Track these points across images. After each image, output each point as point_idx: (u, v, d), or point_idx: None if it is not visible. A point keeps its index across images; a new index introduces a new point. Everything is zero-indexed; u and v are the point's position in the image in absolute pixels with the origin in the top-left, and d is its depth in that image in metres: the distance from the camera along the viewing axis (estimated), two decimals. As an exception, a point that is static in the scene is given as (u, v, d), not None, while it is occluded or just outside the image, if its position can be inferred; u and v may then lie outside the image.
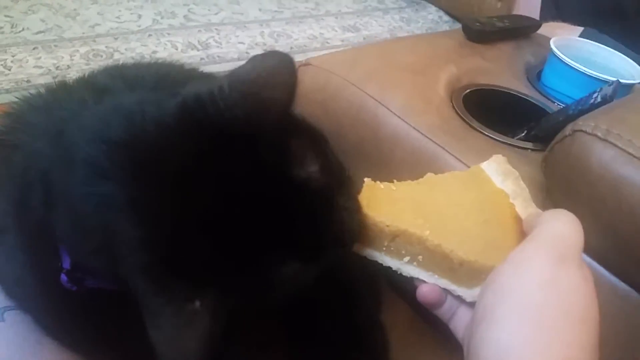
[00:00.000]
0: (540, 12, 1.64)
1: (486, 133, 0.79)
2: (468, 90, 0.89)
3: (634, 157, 0.57)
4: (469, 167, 0.71)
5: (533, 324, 0.37)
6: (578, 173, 0.61)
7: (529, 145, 0.80)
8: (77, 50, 1.54)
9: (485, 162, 0.57)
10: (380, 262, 0.51)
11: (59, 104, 0.56)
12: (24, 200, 0.50)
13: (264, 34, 1.84)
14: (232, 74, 0.43)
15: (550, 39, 1.00)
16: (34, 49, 1.51)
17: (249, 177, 0.41)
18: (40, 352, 0.63)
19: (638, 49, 1.20)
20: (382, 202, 0.51)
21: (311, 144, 0.46)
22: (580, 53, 0.99)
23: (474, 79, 0.93)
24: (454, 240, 0.47)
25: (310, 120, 0.81)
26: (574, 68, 0.92)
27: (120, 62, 1.50)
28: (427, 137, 0.77)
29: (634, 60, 1.00)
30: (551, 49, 0.97)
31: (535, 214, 0.49)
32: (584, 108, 0.77)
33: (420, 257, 0.49)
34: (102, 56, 1.54)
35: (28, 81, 1.37)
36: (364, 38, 1.97)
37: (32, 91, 0.64)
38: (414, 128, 0.78)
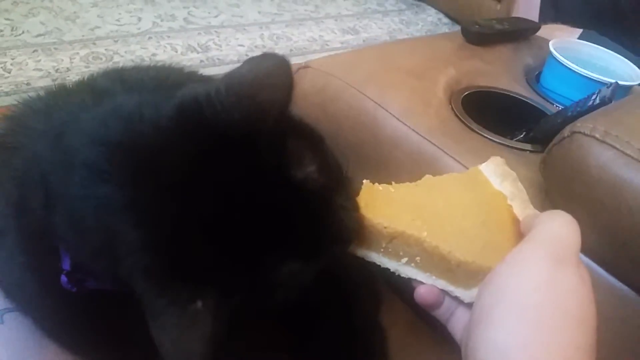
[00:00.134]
0: (539, 14, 1.65)
1: (485, 135, 0.79)
2: (467, 92, 0.89)
3: (632, 158, 0.57)
4: (467, 168, 0.71)
5: (531, 325, 0.37)
6: (576, 174, 0.61)
7: (528, 146, 0.80)
8: (77, 53, 1.54)
9: (483, 164, 0.57)
10: (378, 263, 0.51)
11: (59, 107, 0.57)
12: (23, 202, 0.51)
13: (264, 37, 1.84)
14: (229, 76, 0.43)
15: (549, 41, 1.01)
16: (33, 51, 1.51)
17: (247, 178, 0.42)
18: (40, 354, 0.63)
19: (636, 50, 1.20)
20: (380, 204, 0.51)
21: (309, 145, 0.46)
22: (578, 55, 0.99)
23: (473, 81, 0.93)
24: (451, 241, 0.47)
25: (308, 121, 0.82)
26: (573, 70, 0.92)
27: (120, 64, 1.51)
28: (426, 139, 0.77)
29: (632, 61, 1.00)
30: (550, 51, 0.97)
31: (533, 215, 0.49)
32: (583, 110, 0.77)
33: (418, 259, 0.49)
34: (101, 59, 1.54)
35: (28, 84, 1.37)
36: (364, 40, 1.98)
37: (32, 94, 0.64)
38: (413, 130, 0.78)
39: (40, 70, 1.43)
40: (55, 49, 1.54)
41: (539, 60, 1.05)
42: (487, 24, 1.08)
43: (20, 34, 1.58)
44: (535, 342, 0.37)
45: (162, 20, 1.82)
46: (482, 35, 1.05)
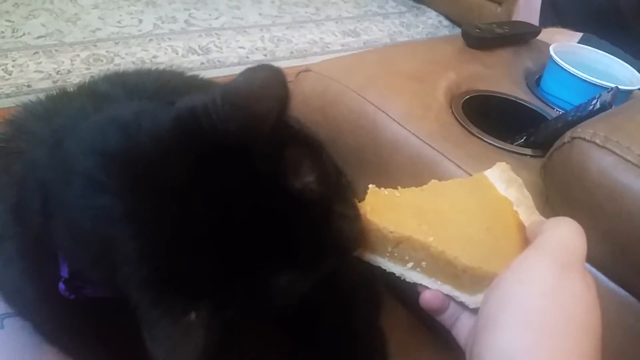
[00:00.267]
0: (539, 17, 1.65)
1: (485, 139, 0.79)
2: (467, 96, 0.89)
3: (633, 164, 0.57)
4: (468, 173, 0.71)
5: (536, 332, 0.38)
6: (577, 180, 0.61)
7: (528, 151, 0.80)
8: (78, 55, 1.54)
9: (488, 170, 0.57)
10: (383, 267, 0.51)
11: (59, 112, 0.57)
12: (22, 208, 0.51)
13: (264, 39, 1.85)
14: (225, 87, 0.44)
15: (549, 45, 1.01)
16: (34, 53, 1.51)
17: (245, 189, 0.42)
18: (40, 359, 0.63)
19: (637, 55, 1.20)
20: (386, 208, 0.51)
21: (307, 154, 0.46)
22: (579, 59, 0.99)
23: (473, 85, 0.93)
24: (457, 246, 0.47)
25: (308, 128, 0.82)
26: (573, 74, 0.92)
27: (121, 66, 1.51)
28: (426, 143, 0.77)
29: (632, 65, 1.00)
30: (550, 55, 0.97)
31: (539, 221, 0.49)
32: (583, 114, 0.77)
33: (423, 263, 0.49)
34: (102, 61, 1.54)
35: (29, 86, 1.37)
36: (364, 43, 1.98)
37: (33, 98, 0.64)
38: (414, 134, 0.78)
39: (41, 72, 1.43)
40: (56, 50, 1.54)
41: (539, 64, 1.05)
42: (488, 27, 1.08)
43: (21, 36, 1.58)
44: (540, 347, 0.37)
45: (163, 22, 1.82)
46: (482, 39, 1.05)
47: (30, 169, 0.50)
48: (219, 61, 1.65)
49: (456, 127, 0.82)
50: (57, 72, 1.45)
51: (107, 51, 1.59)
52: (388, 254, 0.50)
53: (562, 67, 0.94)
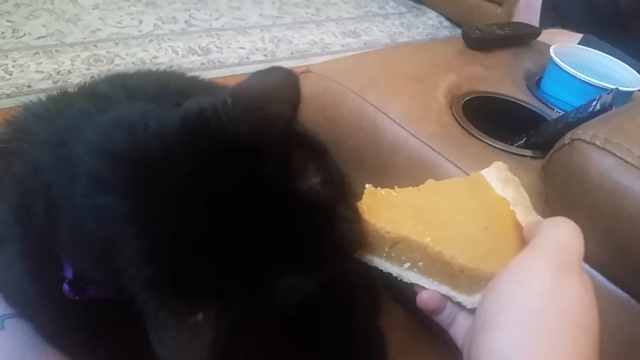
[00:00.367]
0: (540, 18, 1.65)
1: (485, 140, 0.80)
2: (468, 98, 0.89)
3: (633, 165, 0.57)
4: (468, 174, 0.71)
5: (533, 332, 0.38)
6: (577, 181, 0.61)
7: (528, 152, 0.80)
8: (78, 55, 1.54)
9: (485, 169, 0.57)
10: (380, 268, 0.51)
11: (60, 113, 0.57)
12: (25, 209, 0.51)
13: (265, 39, 1.85)
14: (236, 88, 0.43)
15: (549, 46, 1.01)
16: (35, 54, 1.51)
17: (251, 190, 0.42)
18: (41, 360, 0.63)
19: (637, 55, 1.20)
20: (383, 208, 0.51)
21: (313, 157, 0.46)
22: (579, 60, 0.99)
23: (473, 86, 0.93)
24: (454, 247, 0.47)
25: (311, 130, 0.82)
26: (574, 75, 0.93)
27: (121, 67, 1.51)
28: (426, 145, 0.77)
29: (632, 66, 1.01)
30: (551, 56, 0.97)
31: (536, 221, 0.49)
32: (583, 116, 0.77)
33: (420, 264, 0.49)
34: (103, 61, 1.54)
35: (29, 86, 1.37)
36: (365, 43, 1.98)
37: (33, 98, 0.64)
38: (414, 135, 0.79)
39: (42, 72, 1.44)
40: (56, 51, 1.55)
41: (539, 65, 1.05)
42: (488, 29, 1.08)
43: (21, 36, 1.59)
44: (538, 348, 0.37)
45: (163, 23, 1.82)
46: (482, 40, 1.05)
47: (32, 170, 0.50)
48: (219, 62, 1.66)
49: (456, 128, 0.82)
50: (58, 73, 1.45)
51: (107, 52, 1.59)
52: (385, 254, 0.51)
53: (562, 68, 0.94)
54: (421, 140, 0.78)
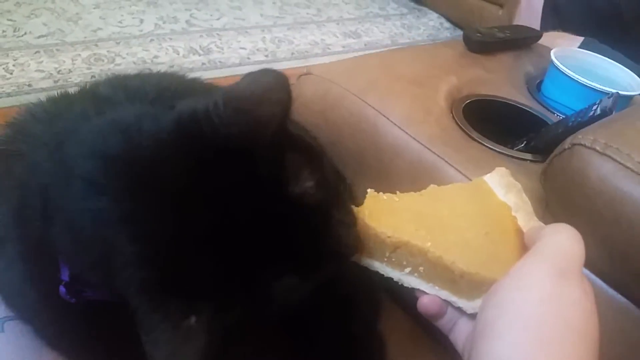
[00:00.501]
0: (541, 21, 1.65)
1: (485, 144, 0.80)
2: (468, 101, 0.89)
3: (633, 171, 0.57)
4: (468, 178, 0.71)
5: (533, 339, 0.38)
6: (577, 186, 0.61)
7: (528, 156, 0.80)
8: (79, 55, 1.54)
9: (488, 175, 0.57)
10: (381, 272, 0.51)
11: (60, 115, 0.57)
12: (24, 212, 0.51)
13: (266, 40, 1.85)
14: (227, 90, 0.44)
15: (550, 49, 1.01)
16: (35, 52, 1.51)
17: (245, 193, 0.42)
18: (40, 362, 0.63)
19: (637, 59, 1.20)
20: (384, 213, 0.51)
21: (307, 159, 0.46)
22: (580, 64, 0.99)
23: (474, 89, 0.93)
24: (455, 252, 0.47)
25: (309, 132, 0.82)
26: (574, 79, 0.93)
27: (122, 66, 1.51)
28: (426, 148, 0.77)
29: (633, 69, 1.01)
30: (551, 60, 0.97)
31: (537, 227, 0.49)
32: (584, 120, 0.77)
33: (421, 269, 0.49)
34: (103, 60, 1.54)
35: (29, 85, 1.37)
36: (365, 44, 1.98)
37: (34, 97, 0.64)
38: (414, 138, 0.79)
39: (42, 71, 1.44)
40: (57, 50, 1.55)
41: (540, 68, 1.05)
42: (489, 32, 1.08)
43: (22, 35, 1.59)
44: (538, 354, 0.37)
45: (164, 23, 1.82)
46: (483, 43, 1.05)
47: (31, 172, 0.50)
48: (220, 62, 1.65)
49: (457, 131, 0.82)
50: (58, 72, 1.45)
51: (108, 51, 1.59)
52: (386, 259, 0.51)
53: (563, 72, 0.94)
54: (421, 144, 0.78)
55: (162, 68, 1.56)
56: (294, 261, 0.44)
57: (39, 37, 1.59)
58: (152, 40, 1.70)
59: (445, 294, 0.49)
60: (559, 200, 0.65)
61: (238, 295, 0.42)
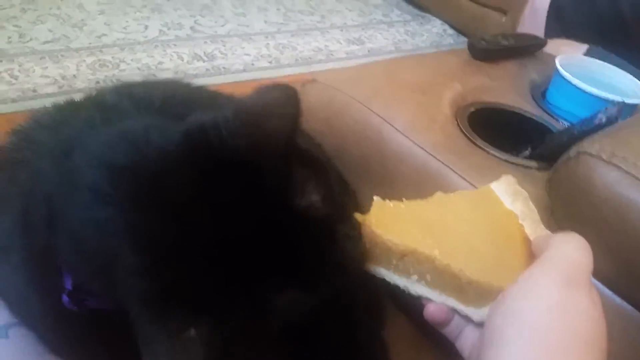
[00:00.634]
0: (545, 27, 1.65)
1: (490, 151, 0.80)
2: (473, 109, 0.90)
3: (638, 179, 0.57)
4: (473, 185, 0.71)
5: (541, 348, 0.38)
6: (582, 195, 0.61)
7: (534, 164, 0.80)
8: (84, 61, 1.55)
9: (494, 183, 0.57)
10: (388, 280, 0.51)
11: (66, 122, 0.57)
12: (28, 219, 0.51)
13: (270, 46, 1.85)
14: (238, 104, 0.44)
15: (555, 57, 1.01)
16: (41, 58, 1.52)
17: (251, 205, 0.42)
18: (44, 370, 0.63)
19: (641, 66, 1.20)
20: (390, 221, 0.51)
21: (314, 173, 0.47)
22: (585, 72, 0.99)
23: (479, 97, 0.93)
24: (462, 260, 0.47)
25: (313, 140, 0.82)
26: (579, 87, 0.92)
27: (126, 72, 1.52)
28: (431, 155, 0.77)
29: (637, 76, 1.00)
30: (556, 67, 0.97)
31: (545, 236, 0.49)
32: (589, 128, 0.77)
33: (428, 276, 0.49)
34: (108, 66, 1.55)
35: (34, 91, 1.38)
36: (369, 51, 1.98)
37: (39, 107, 0.64)
38: (419, 146, 0.79)
39: (47, 77, 1.44)
40: (62, 56, 1.55)
41: (545, 76, 1.05)
42: (494, 39, 1.08)
43: (27, 41, 1.59)
44: None
45: (168, 29, 1.83)
46: (488, 51, 1.05)
47: (36, 181, 0.51)
48: (224, 68, 1.66)
49: (461, 139, 0.82)
50: (63, 78, 1.45)
51: (112, 57, 1.60)
52: (393, 267, 0.50)
53: (567, 80, 0.94)
54: (426, 151, 0.78)
55: (167, 74, 1.57)
56: (298, 275, 0.44)
57: (44, 42, 1.60)
58: (156, 46, 1.71)
59: (452, 302, 0.49)
60: (565, 208, 0.65)
61: (239, 308, 0.42)
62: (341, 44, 1.98)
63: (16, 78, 1.41)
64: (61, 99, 0.65)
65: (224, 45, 1.79)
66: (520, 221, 0.53)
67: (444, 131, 0.82)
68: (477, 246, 0.50)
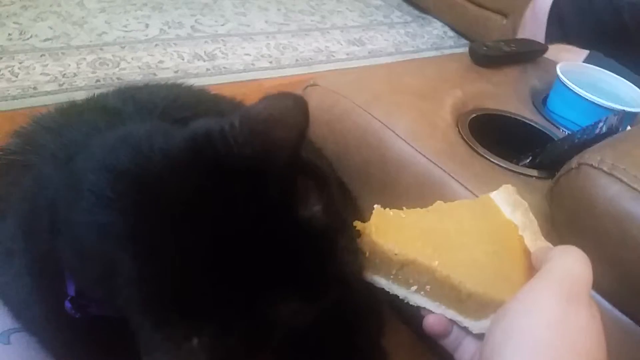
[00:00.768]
0: (546, 32, 1.65)
1: (491, 159, 0.80)
2: (474, 115, 0.90)
3: (639, 192, 0.57)
4: (474, 193, 0.71)
5: None
6: (583, 206, 0.61)
7: (534, 173, 0.80)
8: (84, 59, 1.55)
9: (494, 192, 0.57)
10: (387, 289, 0.51)
11: (70, 126, 0.57)
12: (31, 225, 0.51)
13: (270, 46, 1.85)
14: (244, 111, 0.44)
15: (556, 63, 1.01)
16: (41, 56, 1.52)
17: (253, 214, 0.42)
18: (46, 376, 0.62)
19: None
20: (391, 230, 0.50)
21: (316, 185, 0.46)
22: (585, 79, 0.99)
23: (480, 103, 0.93)
24: (462, 271, 0.47)
25: (313, 144, 0.82)
26: (580, 95, 0.93)
27: (127, 71, 1.52)
28: (432, 162, 0.77)
29: (637, 83, 1.00)
30: (557, 74, 0.97)
31: (545, 248, 0.49)
32: (590, 137, 0.78)
33: (428, 287, 0.49)
34: (108, 65, 1.54)
35: (34, 88, 1.37)
36: (369, 52, 1.98)
37: (39, 105, 0.64)
38: (420, 152, 0.79)
39: (47, 74, 1.44)
40: (62, 53, 1.55)
41: (545, 83, 1.05)
42: (495, 45, 1.08)
43: (28, 38, 1.59)
44: None
45: (169, 28, 1.83)
46: (489, 57, 1.05)
47: (40, 185, 0.50)
48: (224, 67, 1.66)
49: (462, 146, 0.82)
50: (63, 75, 1.45)
51: (113, 55, 1.60)
52: (392, 276, 0.50)
53: (568, 87, 0.94)
54: (427, 158, 0.78)
55: (167, 73, 1.57)
56: (299, 285, 0.44)
57: (45, 40, 1.60)
58: (157, 45, 1.70)
59: (451, 314, 0.49)
60: (566, 219, 0.65)
61: (242, 318, 0.42)
62: (342, 44, 1.98)
63: (16, 75, 1.41)
64: (61, 97, 0.65)
65: (225, 45, 1.79)
66: (520, 232, 0.53)
67: (445, 138, 0.82)
68: (477, 257, 0.49)
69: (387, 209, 0.53)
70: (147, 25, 1.81)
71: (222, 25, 1.93)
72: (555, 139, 0.89)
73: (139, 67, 1.57)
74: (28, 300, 0.54)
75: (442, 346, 0.51)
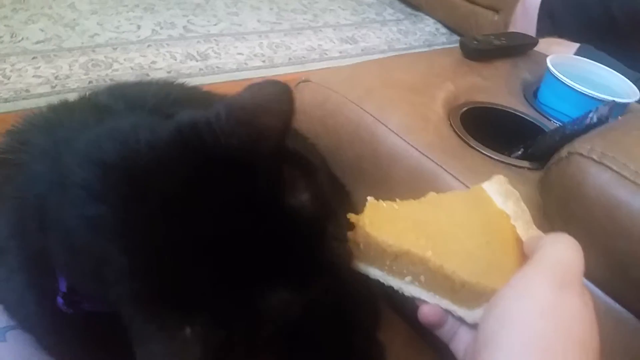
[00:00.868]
0: (537, 26, 1.66)
1: (483, 152, 0.80)
2: (465, 108, 0.90)
3: (629, 180, 0.58)
4: (466, 185, 0.72)
5: (535, 351, 0.38)
6: (574, 195, 0.62)
7: (526, 164, 0.80)
8: (76, 60, 1.55)
9: (486, 182, 0.57)
10: (381, 281, 0.51)
11: (61, 124, 0.57)
12: (23, 222, 0.51)
13: (263, 45, 1.85)
14: (229, 101, 0.43)
15: (546, 56, 1.01)
16: (33, 58, 1.51)
17: (242, 204, 0.42)
18: (42, 372, 0.63)
19: (632, 64, 1.21)
20: (384, 221, 0.51)
21: (303, 173, 0.47)
22: (576, 71, 1.00)
23: (471, 96, 0.94)
24: (456, 261, 0.47)
25: (307, 140, 0.82)
26: (570, 86, 0.93)
27: (119, 72, 1.51)
28: (425, 155, 0.78)
29: (628, 76, 1.01)
30: (548, 67, 0.97)
31: (537, 236, 0.49)
32: (580, 128, 0.78)
33: (422, 278, 0.49)
34: (101, 66, 1.54)
35: (27, 90, 1.37)
36: (362, 50, 1.99)
37: (32, 107, 0.64)
38: (412, 146, 0.79)
39: (40, 77, 1.44)
40: (54, 55, 1.55)
41: (536, 75, 1.05)
42: (486, 39, 1.09)
43: (19, 41, 1.59)
44: None
45: (161, 28, 1.83)
46: (480, 50, 1.06)
47: (30, 183, 0.50)
48: (217, 67, 1.66)
49: (454, 139, 0.82)
50: (56, 77, 1.45)
51: (105, 57, 1.59)
52: (386, 268, 0.50)
53: (559, 79, 0.95)
54: (419, 151, 0.78)
55: (160, 73, 1.57)
56: (289, 273, 0.44)
57: (37, 42, 1.60)
58: (149, 45, 1.70)
59: (445, 303, 0.49)
60: (557, 208, 0.65)
61: (233, 307, 0.42)
62: (334, 43, 1.99)
63: (8, 78, 1.41)
64: (54, 99, 0.64)
65: (217, 45, 1.79)
66: (512, 221, 0.53)
67: (437, 131, 0.82)
68: (470, 247, 0.50)
69: (381, 201, 0.53)
70: (139, 26, 1.81)
71: (215, 25, 1.93)
72: (547, 131, 0.90)
73: (132, 68, 1.56)
74: (22, 297, 0.54)
75: (438, 336, 0.51)
